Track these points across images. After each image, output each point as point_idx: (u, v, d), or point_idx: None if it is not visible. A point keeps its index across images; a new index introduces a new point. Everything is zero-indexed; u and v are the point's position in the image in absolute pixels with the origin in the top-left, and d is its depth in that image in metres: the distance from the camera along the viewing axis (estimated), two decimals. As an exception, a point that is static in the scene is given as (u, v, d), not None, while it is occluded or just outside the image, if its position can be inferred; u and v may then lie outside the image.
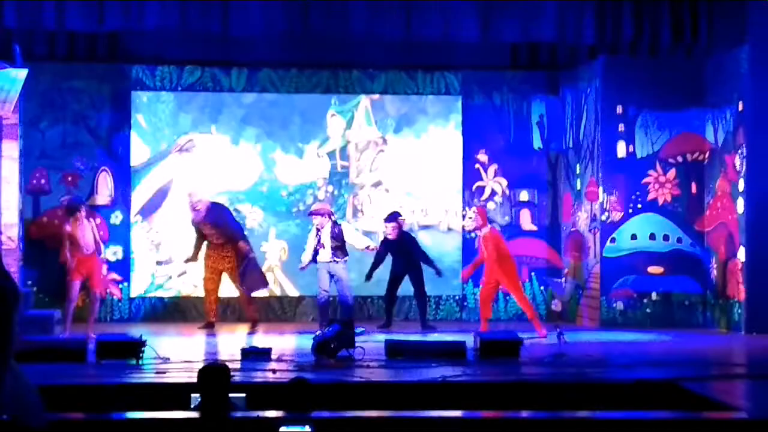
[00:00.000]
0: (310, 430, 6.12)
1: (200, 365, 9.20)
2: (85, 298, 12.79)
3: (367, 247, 13.54)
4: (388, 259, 13.60)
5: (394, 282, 13.67)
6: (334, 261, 13.03)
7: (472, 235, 13.82)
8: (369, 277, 13.57)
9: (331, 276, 13.09)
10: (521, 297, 12.62)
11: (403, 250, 13.52)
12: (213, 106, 14.90)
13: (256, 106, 14.99)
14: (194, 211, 13.26)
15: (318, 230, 13.15)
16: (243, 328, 13.29)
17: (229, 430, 6.41)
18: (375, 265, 13.58)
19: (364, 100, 15.18)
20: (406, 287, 13.71)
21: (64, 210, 12.64)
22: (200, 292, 13.78)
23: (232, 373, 6.71)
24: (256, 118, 14.99)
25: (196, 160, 14.79)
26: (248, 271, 13.28)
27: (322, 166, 15.16)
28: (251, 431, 6.44)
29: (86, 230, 12.18)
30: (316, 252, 13.08)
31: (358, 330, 11.41)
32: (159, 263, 14.73)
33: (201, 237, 13.31)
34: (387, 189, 15.21)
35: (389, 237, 13.54)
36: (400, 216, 13.74)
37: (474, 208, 13.49)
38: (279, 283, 14.91)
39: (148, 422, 6.86)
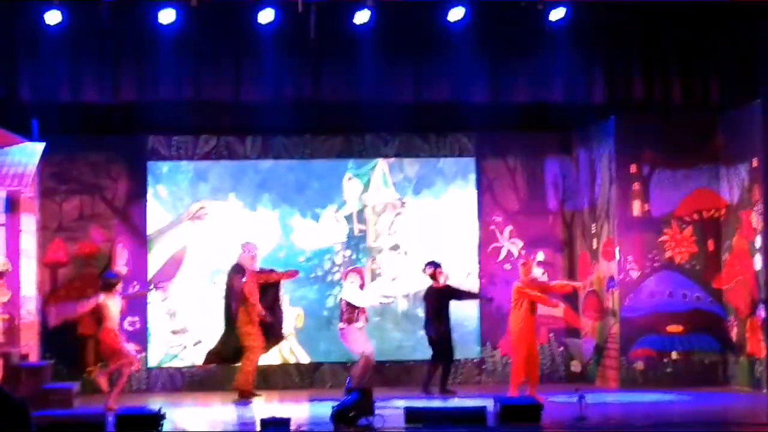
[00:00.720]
0: None
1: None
2: (100, 371, 12.74)
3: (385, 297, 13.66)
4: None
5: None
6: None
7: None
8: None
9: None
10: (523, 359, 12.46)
11: (445, 298, 13.48)
12: (230, 173, 14.95)
13: (273, 172, 15.01)
14: (251, 261, 13.33)
15: None
16: (260, 398, 13.14)
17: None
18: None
19: (381, 163, 15.22)
20: (420, 351, 13.71)
21: (101, 283, 12.61)
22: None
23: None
24: (273, 184, 15.01)
25: (212, 228, 14.82)
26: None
27: (339, 231, 15.15)
28: None
29: (118, 305, 12.21)
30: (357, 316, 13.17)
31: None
32: (174, 332, 14.70)
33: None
34: (405, 252, 15.17)
35: (437, 284, 13.53)
36: (439, 265, 13.73)
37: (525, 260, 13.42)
38: (293, 351, 14.83)
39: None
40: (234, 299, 13.23)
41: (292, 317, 14.74)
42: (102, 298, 12.11)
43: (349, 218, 15.19)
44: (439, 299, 13.54)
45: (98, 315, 12.24)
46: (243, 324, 13.12)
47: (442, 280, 13.63)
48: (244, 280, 13.18)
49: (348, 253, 15.07)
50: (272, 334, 13.39)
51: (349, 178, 15.24)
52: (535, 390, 12.16)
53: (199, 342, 14.54)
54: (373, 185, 15.27)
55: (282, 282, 13.53)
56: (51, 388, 12.38)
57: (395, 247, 15.20)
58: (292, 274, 13.66)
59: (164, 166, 14.81)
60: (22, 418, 4.15)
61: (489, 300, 14.39)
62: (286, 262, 14.77)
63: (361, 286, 13.37)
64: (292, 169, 15.07)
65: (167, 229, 14.79)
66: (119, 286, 12.33)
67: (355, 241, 15.16)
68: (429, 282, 13.72)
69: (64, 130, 14.04)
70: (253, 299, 13.07)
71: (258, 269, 13.39)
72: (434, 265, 13.68)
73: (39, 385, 12.30)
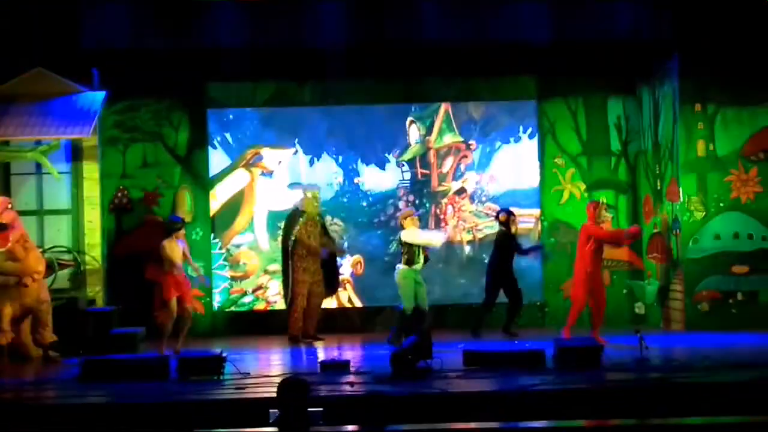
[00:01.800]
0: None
1: (279, 380, 9.30)
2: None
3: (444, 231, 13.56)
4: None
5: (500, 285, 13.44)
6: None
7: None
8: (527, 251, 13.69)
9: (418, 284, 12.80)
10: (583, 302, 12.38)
11: (514, 247, 13.42)
12: (292, 120, 14.96)
13: (336, 118, 15.00)
14: (313, 204, 13.44)
15: None
16: (320, 341, 13.26)
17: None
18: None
19: (444, 106, 15.12)
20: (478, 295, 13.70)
21: (163, 228, 12.72)
22: (279, 306, 13.86)
23: (311, 387, 6.70)
24: (337, 130, 15.00)
25: (274, 173, 14.89)
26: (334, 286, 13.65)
27: (402, 175, 15.11)
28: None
29: (180, 249, 12.30)
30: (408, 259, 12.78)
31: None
32: (234, 279, 14.85)
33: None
34: (471, 196, 15.10)
35: (509, 231, 13.34)
36: (514, 214, 13.63)
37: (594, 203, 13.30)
38: (353, 297, 14.92)
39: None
40: (288, 243, 13.30)
41: (351, 264, 14.83)
42: (166, 242, 12.22)
43: (411, 162, 15.14)
44: (509, 246, 13.41)
45: (162, 260, 12.35)
46: (296, 270, 13.20)
47: (513, 229, 13.48)
48: (298, 225, 13.23)
49: (411, 198, 15.05)
50: (328, 284, 13.47)
51: (412, 122, 15.16)
52: (598, 332, 12.09)
53: (259, 288, 14.68)
54: (436, 128, 15.17)
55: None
56: (117, 333, 12.57)
57: (460, 191, 15.12)
58: (342, 252, 13.77)
59: (222, 114, 14.86)
60: None
61: (541, 248, 14.35)
62: (349, 208, 14.83)
63: (419, 229, 13.19)
64: (355, 114, 15.04)
65: (223, 175, 14.87)
66: (182, 231, 12.41)
67: (419, 186, 15.12)
68: (500, 228, 13.53)
69: (125, 79, 14.14)
70: (303, 245, 13.13)
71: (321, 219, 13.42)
72: (508, 212, 13.53)
73: (105, 329, 12.50)
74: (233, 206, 14.92)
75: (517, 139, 15.10)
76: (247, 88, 14.87)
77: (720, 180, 13.71)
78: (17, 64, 13.12)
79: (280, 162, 14.94)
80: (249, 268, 14.86)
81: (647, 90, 14.75)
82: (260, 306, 14.78)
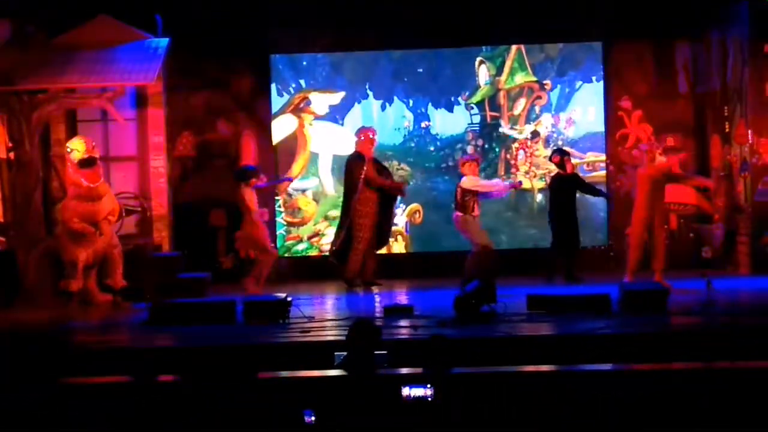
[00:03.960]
0: (431, 391, 6.01)
1: (343, 323, 9.37)
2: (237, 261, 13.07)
3: (512, 184, 13.38)
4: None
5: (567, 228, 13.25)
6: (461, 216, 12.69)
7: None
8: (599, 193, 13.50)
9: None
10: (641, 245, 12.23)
11: (571, 188, 13.23)
12: (359, 65, 14.83)
13: (401, 63, 14.84)
14: (369, 145, 13.19)
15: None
16: (378, 286, 13.21)
17: (376, 386, 6.33)
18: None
19: (516, 46, 14.83)
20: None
21: (238, 176, 12.80)
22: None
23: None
24: (402, 73, 14.81)
25: (347, 120, 14.80)
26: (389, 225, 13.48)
27: (471, 119, 14.84)
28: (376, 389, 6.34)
29: (255, 197, 12.44)
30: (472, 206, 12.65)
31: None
32: (291, 225, 14.85)
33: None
34: (546, 140, 14.76)
35: (564, 173, 13.19)
36: (568, 154, 13.46)
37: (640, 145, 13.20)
38: (412, 244, 14.83)
39: (297, 381, 6.84)
40: (351, 188, 13.17)
41: (407, 214, 14.68)
42: (244, 190, 12.38)
43: (480, 105, 14.88)
44: (566, 188, 13.29)
45: (239, 208, 12.50)
46: (357, 214, 13.06)
47: (568, 169, 13.37)
48: (364, 167, 13.10)
49: (480, 142, 14.80)
50: (382, 234, 13.33)
51: (481, 62, 14.86)
52: (661, 276, 11.94)
53: (316, 235, 14.73)
54: (507, 68, 14.83)
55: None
56: (184, 278, 12.71)
57: (533, 135, 14.86)
58: (399, 187, 13.50)
59: (293, 59, 14.83)
60: None
61: (609, 198, 14.07)
62: (417, 152, 14.75)
63: (480, 177, 13.08)
64: (421, 57, 14.81)
65: (277, 119, 14.87)
66: (257, 179, 12.53)
67: (488, 130, 14.85)
68: (556, 170, 13.45)
69: (188, 26, 14.15)
70: (375, 183, 13.06)
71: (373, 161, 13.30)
72: (561, 152, 13.43)
73: (172, 274, 12.64)
74: (287, 152, 14.86)
75: (590, 81, 14.84)
76: (309, 33, 14.79)
77: (789, 122, 13.48)
78: (80, 12, 13.20)
79: (329, 106, 14.81)
80: (306, 215, 14.87)
81: (716, 32, 14.46)
82: (313, 253, 14.79)
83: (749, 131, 13.54)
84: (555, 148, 13.90)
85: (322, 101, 14.87)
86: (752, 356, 7.84)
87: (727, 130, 14.22)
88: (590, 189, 13.55)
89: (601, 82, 14.85)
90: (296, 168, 14.88)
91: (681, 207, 14.68)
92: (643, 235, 12.02)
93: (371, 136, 13.24)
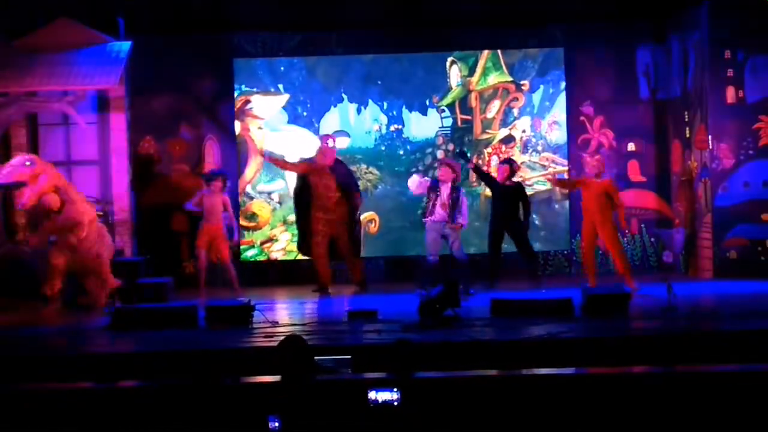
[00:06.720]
0: (398, 395, 6.01)
1: (308, 329, 9.35)
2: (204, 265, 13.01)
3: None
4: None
5: (498, 237, 13.08)
6: (451, 223, 12.33)
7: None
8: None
9: (444, 237, 12.39)
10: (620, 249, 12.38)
11: (513, 198, 12.97)
12: (333, 68, 14.68)
13: (374, 65, 14.67)
14: (322, 155, 13.02)
15: (438, 185, 12.40)
16: (350, 290, 13.26)
17: (311, 394, 6.26)
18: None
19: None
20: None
21: (203, 178, 12.85)
22: (303, 256, 13.82)
23: (337, 336, 6.67)
24: (374, 77, 14.62)
25: (322, 124, 14.70)
26: (358, 231, 13.34)
27: (441, 122, 14.58)
28: (341, 394, 6.33)
29: (218, 202, 12.40)
30: (430, 209, 12.38)
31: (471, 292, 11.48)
32: (245, 229, 14.72)
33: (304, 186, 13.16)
34: (524, 145, 14.54)
35: (511, 182, 12.88)
36: (515, 163, 13.31)
37: (597, 156, 13.31)
38: (376, 248, 14.69)
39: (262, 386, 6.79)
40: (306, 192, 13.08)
41: (364, 223, 14.29)
42: (205, 194, 12.38)
43: (451, 107, 14.70)
44: (514, 196, 13.07)
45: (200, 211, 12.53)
46: (312, 219, 12.99)
47: (515, 179, 13.19)
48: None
49: (451, 146, 14.51)
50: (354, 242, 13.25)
51: (453, 62, 14.64)
52: (630, 277, 12.07)
53: (269, 240, 14.67)
54: (480, 68, 14.62)
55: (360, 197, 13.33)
56: (146, 283, 12.63)
57: (508, 139, 14.64)
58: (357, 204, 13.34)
59: (256, 63, 14.73)
60: None
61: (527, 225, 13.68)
62: (388, 156, 14.62)
63: (450, 180, 12.89)
64: (394, 61, 14.64)
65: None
66: (220, 184, 12.48)
67: (460, 133, 14.64)
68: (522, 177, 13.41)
69: (150, 29, 14.10)
70: (321, 191, 12.94)
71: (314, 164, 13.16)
72: (510, 162, 13.23)
73: (134, 279, 12.57)
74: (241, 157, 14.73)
75: (544, 88, 14.85)
76: (273, 37, 14.74)
77: (749, 127, 13.58)
78: (41, 14, 13.11)
79: (279, 109, 14.65)
80: (261, 220, 14.74)
81: (676, 37, 14.58)
82: (262, 258, 14.67)
83: (709, 136, 13.66)
84: (504, 158, 13.66)
85: (263, 104, 14.70)
86: (713, 360, 7.92)
87: (687, 135, 14.33)
88: (526, 205, 13.24)
89: (541, 91, 14.82)
90: (249, 172, 14.77)
91: (642, 211, 14.81)
92: (591, 242, 12.14)
93: (330, 144, 13.14)
